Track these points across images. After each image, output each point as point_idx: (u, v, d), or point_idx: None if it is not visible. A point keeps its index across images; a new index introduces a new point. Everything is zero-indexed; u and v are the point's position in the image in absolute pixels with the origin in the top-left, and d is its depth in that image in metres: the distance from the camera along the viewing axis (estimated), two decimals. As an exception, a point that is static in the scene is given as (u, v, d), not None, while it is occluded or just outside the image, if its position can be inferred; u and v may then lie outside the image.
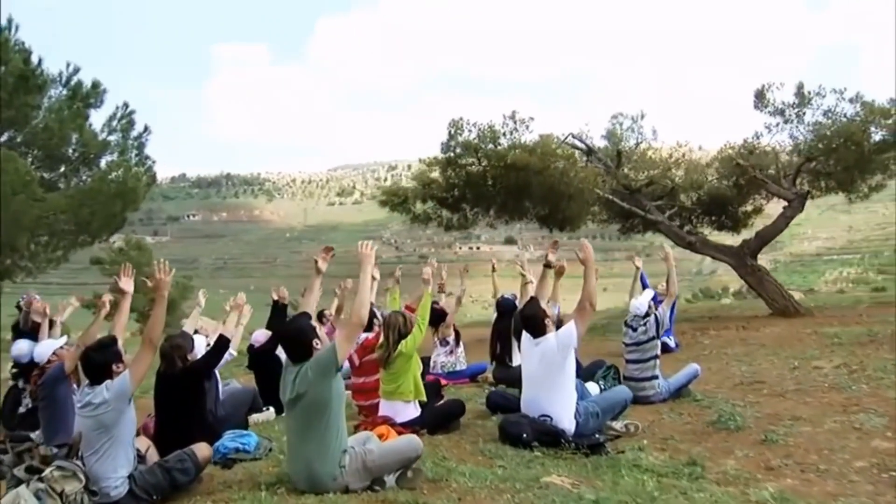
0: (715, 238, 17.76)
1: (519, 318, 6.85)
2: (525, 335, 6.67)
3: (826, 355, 10.19)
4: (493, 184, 15.03)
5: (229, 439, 5.97)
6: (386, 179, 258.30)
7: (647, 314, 8.31)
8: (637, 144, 17.42)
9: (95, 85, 16.41)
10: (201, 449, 5.01)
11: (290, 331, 4.89)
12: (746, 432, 6.53)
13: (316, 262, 5.55)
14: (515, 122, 14.72)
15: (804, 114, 15.18)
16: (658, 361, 8.22)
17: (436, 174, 15.76)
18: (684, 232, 16.42)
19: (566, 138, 15.65)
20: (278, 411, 8.37)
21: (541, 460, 5.65)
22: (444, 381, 10.23)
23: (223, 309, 8.26)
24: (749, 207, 17.98)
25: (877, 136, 14.50)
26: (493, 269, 10.95)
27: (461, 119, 14.72)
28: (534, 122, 14.82)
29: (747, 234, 17.46)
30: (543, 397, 6.39)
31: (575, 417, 6.42)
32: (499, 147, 14.59)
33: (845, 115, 14.65)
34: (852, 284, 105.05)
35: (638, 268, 9.33)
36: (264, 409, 8.48)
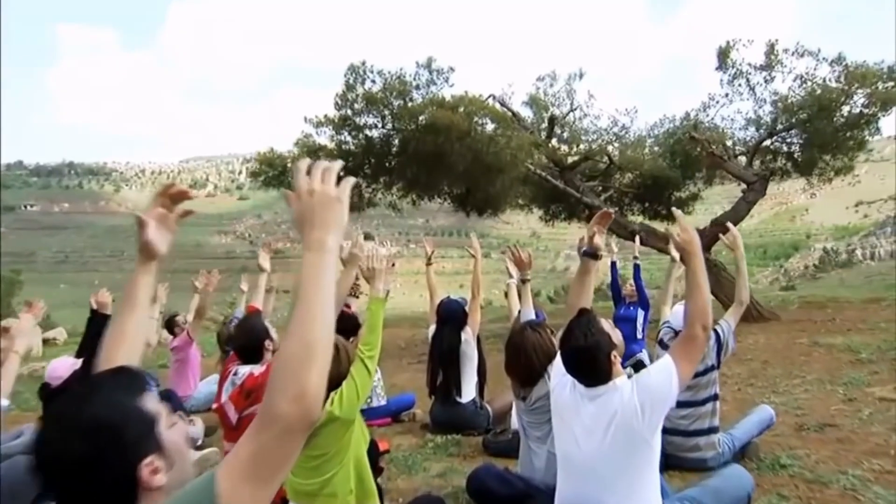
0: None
1: (561, 352, 3.52)
2: (562, 379, 3.58)
3: (874, 380, 7.84)
4: (401, 151, 11.63)
5: None
6: (240, 172, 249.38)
7: (700, 329, 5.15)
8: (571, 110, 14.34)
9: None
10: None
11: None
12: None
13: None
14: (431, 73, 11.39)
15: (773, 78, 12.63)
16: (718, 405, 5.15)
17: (325, 139, 12.15)
18: (625, 219, 13.54)
19: (487, 99, 12.44)
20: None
21: None
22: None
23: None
24: (685, 193, 15.34)
25: (856, 108, 12.09)
26: (430, 263, 7.68)
27: (363, 64, 11.22)
28: (454, 75, 11.49)
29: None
30: (609, 498, 3.27)
31: (664, 533, 3.27)
32: (410, 103, 11.17)
33: (823, 79, 12.18)
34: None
35: (674, 259, 6.10)
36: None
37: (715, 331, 5.09)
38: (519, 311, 5.48)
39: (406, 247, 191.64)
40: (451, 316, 6.75)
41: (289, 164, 12.12)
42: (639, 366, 9.06)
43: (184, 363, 8.64)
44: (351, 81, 11.16)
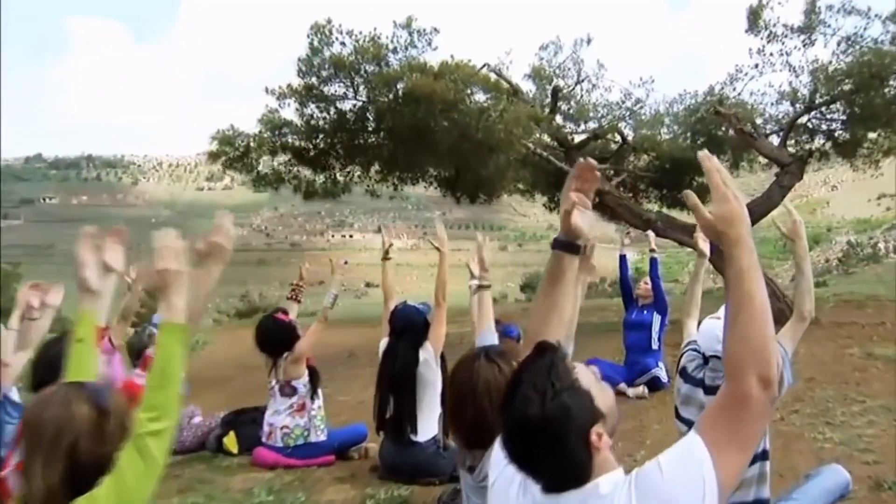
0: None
1: (503, 426, 1.79)
2: (504, 470, 1.96)
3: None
4: (377, 127, 9.96)
5: None
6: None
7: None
8: (578, 82, 12.52)
9: None
10: None
11: None
12: None
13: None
14: (411, 34, 9.70)
15: (812, 42, 10.82)
16: (767, 467, 3.46)
17: (290, 112, 10.48)
18: (641, 207, 11.80)
19: (482, 69, 10.76)
20: None
21: None
22: (285, 462, 5.41)
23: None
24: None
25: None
26: (387, 257, 5.99)
27: (329, 23, 9.55)
28: (438, 37, 9.78)
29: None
30: None
31: None
32: (386, 69, 9.48)
33: (874, 41, 10.36)
34: (713, 274, 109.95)
35: (703, 254, 4.31)
36: None
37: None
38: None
39: (422, 239, 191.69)
40: (407, 327, 5.12)
41: (252, 143, 10.49)
42: (655, 383, 7.42)
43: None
44: (315, 43, 9.51)
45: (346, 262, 6.24)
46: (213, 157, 10.57)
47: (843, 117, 11.52)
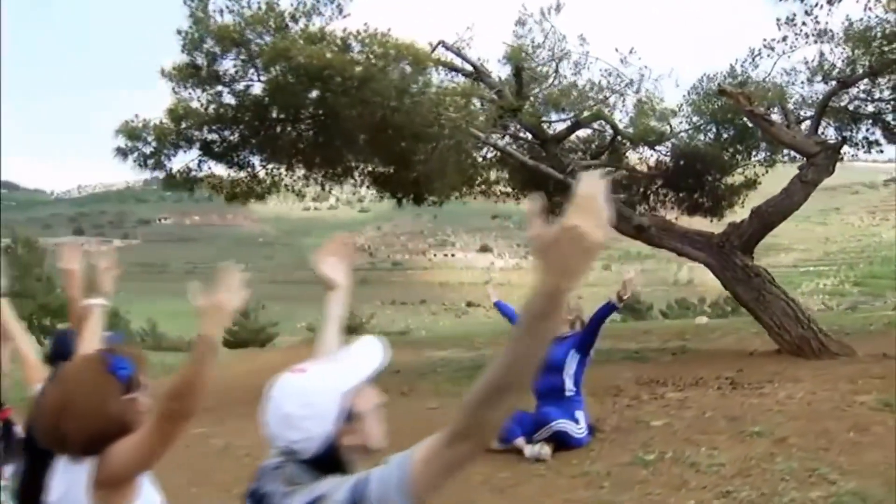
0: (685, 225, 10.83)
1: None
2: None
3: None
4: (295, 115, 8.27)
5: None
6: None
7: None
8: (557, 60, 10.36)
9: None
10: None
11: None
12: None
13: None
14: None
15: (843, -6, 8.49)
16: None
17: (197, 101, 8.84)
18: (633, 211, 9.65)
19: (435, 48, 8.98)
20: None
21: None
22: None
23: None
24: (738, 178, 11.26)
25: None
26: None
27: (208, -20, 7.93)
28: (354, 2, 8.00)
29: (734, 218, 10.89)
30: None
31: None
32: (282, 40, 7.72)
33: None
34: (828, 297, 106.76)
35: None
36: None
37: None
38: None
39: (524, 259, 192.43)
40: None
41: (161, 139, 8.95)
42: (562, 441, 5.48)
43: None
44: (198, 12, 7.90)
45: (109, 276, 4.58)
46: (122, 154, 9.07)
47: (894, 95, 9.11)
